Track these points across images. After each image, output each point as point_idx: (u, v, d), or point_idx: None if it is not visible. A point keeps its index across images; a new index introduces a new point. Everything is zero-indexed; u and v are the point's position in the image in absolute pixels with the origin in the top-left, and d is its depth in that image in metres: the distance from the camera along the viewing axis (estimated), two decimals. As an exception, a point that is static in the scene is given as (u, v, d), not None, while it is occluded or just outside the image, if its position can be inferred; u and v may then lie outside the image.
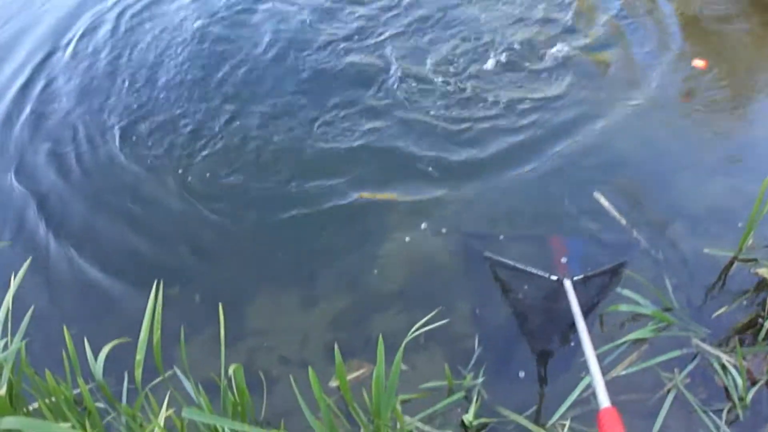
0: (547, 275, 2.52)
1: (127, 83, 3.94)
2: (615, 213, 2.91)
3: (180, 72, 3.96)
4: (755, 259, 2.61)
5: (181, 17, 4.44)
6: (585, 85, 3.62)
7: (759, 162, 3.09)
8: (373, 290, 2.69)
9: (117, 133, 3.58)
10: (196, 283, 2.79)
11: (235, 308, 2.63)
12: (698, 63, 3.64)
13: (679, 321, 2.45)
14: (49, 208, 3.23)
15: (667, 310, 2.50)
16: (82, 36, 4.47)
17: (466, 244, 2.81)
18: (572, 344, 2.43)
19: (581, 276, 2.51)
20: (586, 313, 2.35)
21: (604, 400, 1.84)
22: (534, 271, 2.56)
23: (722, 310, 2.49)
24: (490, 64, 3.76)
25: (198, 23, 4.34)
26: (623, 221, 2.87)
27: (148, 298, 1.96)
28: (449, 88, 3.64)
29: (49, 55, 4.35)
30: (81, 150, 3.53)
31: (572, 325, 2.27)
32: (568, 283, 2.42)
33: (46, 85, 4.09)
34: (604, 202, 2.96)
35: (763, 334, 2.37)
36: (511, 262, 2.62)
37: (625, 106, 3.46)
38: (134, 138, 3.52)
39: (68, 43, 4.43)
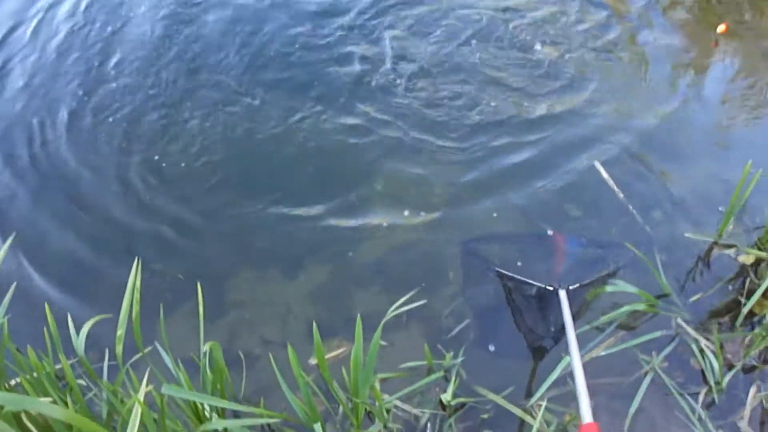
0: (544, 285, 2.53)
1: (106, 63, 3.95)
2: (613, 185, 2.98)
3: (154, 55, 3.96)
4: (735, 245, 2.68)
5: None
6: (585, 71, 3.69)
7: (745, 149, 3.17)
8: (355, 271, 2.75)
9: (95, 112, 3.61)
10: (178, 262, 2.83)
11: (215, 287, 2.68)
12: (721, 28, 3.75)
13: (660, 303, 2.53)
14: (28, 184, 3.27)
15: (664, 296, 2.57)
16: (46, 13, 4.43)
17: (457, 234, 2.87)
18: (552, 329, 2.49)
19: (576, 285, 2.53)
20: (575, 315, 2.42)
21: (586, 416, 1.86)
22: (533, 282, 2.56)
23: (701, 294, 2.56)
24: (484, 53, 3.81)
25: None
26: (620, 195, 2.95)
27: (128, 275, 2.02)
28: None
29: (8, 34, 4.35)
30: (61, 125, 3.57)
31: (562, 328, 2.33)
32: (563, 293, 2.43)
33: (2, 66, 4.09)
34: (604, 173, 3.03)
35: (740, 319, 2.45)
36: (513, 274, 2.62)
37: (624, 93, 3.53)
38: (111, 119, 3.55)
39: (30, 21, 4.40)
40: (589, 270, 2.64)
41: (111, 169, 3.28)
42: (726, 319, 2.50)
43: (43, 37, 4.24)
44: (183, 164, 3.26)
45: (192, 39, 4.03)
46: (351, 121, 3.42)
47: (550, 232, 2.83)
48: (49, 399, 1.95)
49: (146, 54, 3.95)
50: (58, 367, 2.18)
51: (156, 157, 3.31)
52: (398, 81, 3.63)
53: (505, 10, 4.09)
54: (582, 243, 2.80)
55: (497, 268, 2.67)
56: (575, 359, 2.07)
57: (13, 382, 2.21)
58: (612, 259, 2.69)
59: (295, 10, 4.15)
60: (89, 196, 3.16)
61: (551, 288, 2.51)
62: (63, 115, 3.62)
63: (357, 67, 3.72)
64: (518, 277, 2.59)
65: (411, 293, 2.29)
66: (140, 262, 1.98)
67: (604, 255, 2.73)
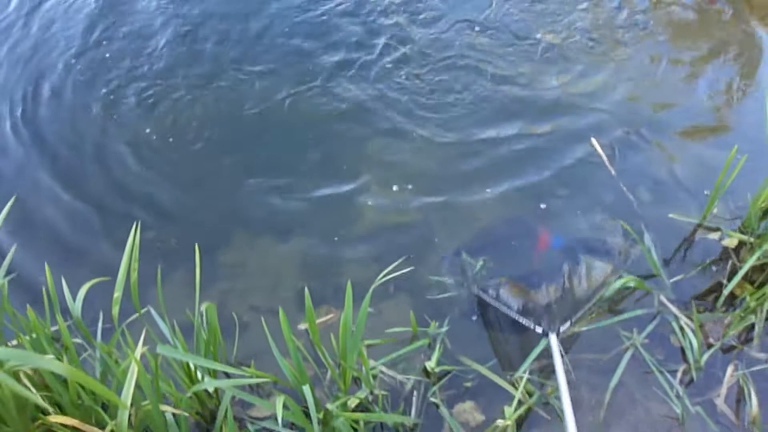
0: (532, 326, 2.46)
1: (93, 34, 4.08)
2: (606, 161, 3.14)
3: (144, 27, 4.09)
4: (719, 228, 2.82)
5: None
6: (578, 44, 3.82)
7: (737, 133, 3.32)
8: (344, 243, 2.88)
9: (88, 84, 3.76)
10: (171, 228, 2.98)
11: (206, 257, 2.75)
12: None
13: (645, 281, 2.66)
14: (13, 152, 3.41)
15: (651, 276, 2.70)
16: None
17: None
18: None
19: (568, 326, 2.49)
20: None
21: None
22: (520, 319, 2.49)
23: (683, 275, 2.69)
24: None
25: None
26: (613, 171, 3.09)
27: (121, 241, 2.13)
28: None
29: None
30: (49, 94, 3.72)
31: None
32: (553, 338, 2.36)
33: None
34: (598, 148, 3.18)
35: (721, 300, 2.58)
36: (495, 302, 2.59)
37: (608, 67, 3.68)
38: (104, 90, 3.69)
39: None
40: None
41: (102, 140, 3.43)
42: (708, 299, 2.64)
43: (28, 6, 4.34)
44: (171, 139, 3.40)
45: (184, 12, 4.16)
46: (344, 102, 3.55)
47: (543, 206, 2.95)
48: (51, 356, 2.08)
49: (136, 26, 4.08)
50: (53, 329, 2.32)
51: (147, 130, 3.44)
52: (394, 63, 3.74)
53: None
54: (568, 245, 2.85)
55: (479, 293, 2.67)
56: (569, 418, 2.05)
57: (10, 345, 2.33)
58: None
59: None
60: (78, 165, 3.31)
61: (540, 330, 2.43)
62: (50, 84, 3.78)
63: (355, 49, 3.84)
64: (501, 307, 2.57)
65: (398, 261, 2.42)
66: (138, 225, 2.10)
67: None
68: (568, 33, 3.93)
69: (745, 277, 2.59)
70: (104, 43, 4.00)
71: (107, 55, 3.92)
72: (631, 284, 2.60)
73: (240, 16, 4.09)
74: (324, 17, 4.06)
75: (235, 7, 4.17)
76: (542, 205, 2.98)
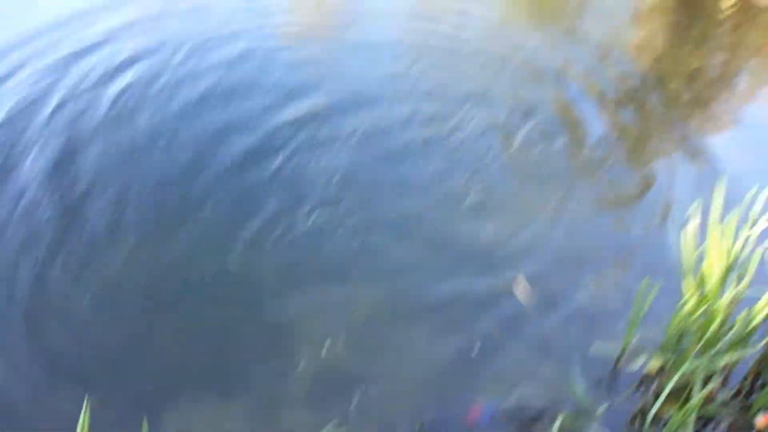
0: None
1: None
2: (527, 298, 3.36)
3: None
4: (641, 353, 3.05)
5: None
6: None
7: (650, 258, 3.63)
8: (289, 397, 2.95)
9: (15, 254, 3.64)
10: (116, 391, 2.95)
11: (154, 416, 2.77)
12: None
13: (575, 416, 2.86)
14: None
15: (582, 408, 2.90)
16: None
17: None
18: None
19: None
20: None
21: None
22: None
23: (611, 401, 2.90)
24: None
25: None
26: (531, 307, 3.32)
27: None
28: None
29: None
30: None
31: None
32: None
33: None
34: (524, 287, 3.41)
35: (648, 422, 2.78)
36: None
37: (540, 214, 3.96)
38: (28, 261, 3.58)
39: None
40: None
41: (34, 307, 3.35)
42: (637, 422, 2.85)
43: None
44: (108, 315, 3.32)
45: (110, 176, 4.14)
46: (271, 271, 3.56)
47: (473, 354, 3.09)
48: None
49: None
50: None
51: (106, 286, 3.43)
52: (318, 226, 3.79)
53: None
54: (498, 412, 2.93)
55: None
56: None
57: None
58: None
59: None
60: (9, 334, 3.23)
61: None
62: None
63: (279, 211, 3.87)
64: None
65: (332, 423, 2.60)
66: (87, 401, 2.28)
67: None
68: (492, 183, 4.18)
69: (670, 395, 2.75)
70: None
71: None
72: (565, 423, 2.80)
73: (145, 174, 4.13)
74: (218, 175, 4.12)
75: (142, 164, 4.23)
76: (473, 354, 3.11)
